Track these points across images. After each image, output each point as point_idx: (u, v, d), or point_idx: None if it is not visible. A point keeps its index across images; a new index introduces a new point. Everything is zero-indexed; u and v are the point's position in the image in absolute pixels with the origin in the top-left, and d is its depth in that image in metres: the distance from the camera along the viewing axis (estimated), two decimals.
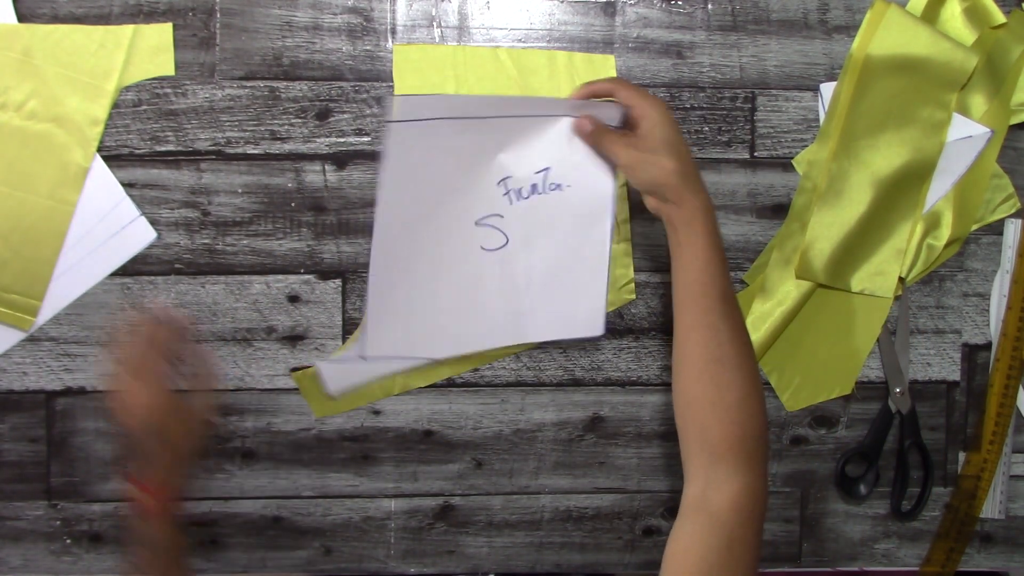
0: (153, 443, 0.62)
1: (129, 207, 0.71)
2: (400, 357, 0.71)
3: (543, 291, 0.71)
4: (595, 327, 0.72)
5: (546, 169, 0.68)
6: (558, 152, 0.67)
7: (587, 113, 0.64)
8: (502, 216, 0.69)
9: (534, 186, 0.68)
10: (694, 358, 0.57)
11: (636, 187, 0.62)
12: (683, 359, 0.58)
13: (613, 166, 0.67)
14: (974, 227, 0.77)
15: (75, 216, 0.70)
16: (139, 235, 0.71)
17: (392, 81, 0.72)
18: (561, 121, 0.66)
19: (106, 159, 0.70)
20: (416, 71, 0.72)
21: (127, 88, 0.70)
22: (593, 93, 0.65)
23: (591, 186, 0.69)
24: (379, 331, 0.69)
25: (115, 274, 0.71)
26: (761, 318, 0.74)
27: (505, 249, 0.69)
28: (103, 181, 0.70)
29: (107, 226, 0.71)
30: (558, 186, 0.68)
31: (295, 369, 0.73)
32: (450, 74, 0.72)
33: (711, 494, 0.54)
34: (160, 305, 0.71)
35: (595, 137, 0.64)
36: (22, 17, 0.68)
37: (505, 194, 0.68)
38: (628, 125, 0.63)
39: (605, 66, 0.73)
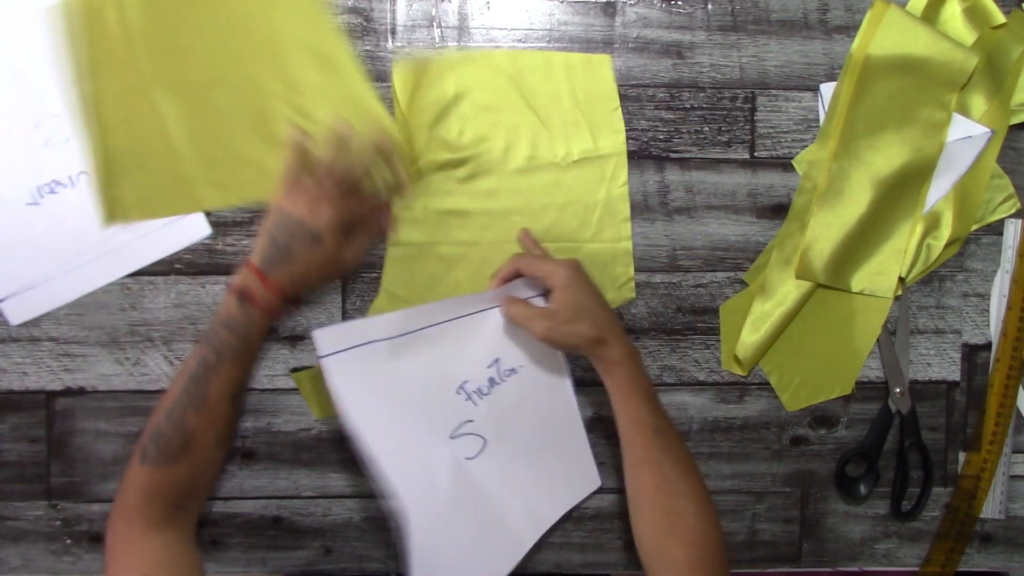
0: (304, 248, 0.64)
1: None
2: None
3: (536, 474, 0.71)
4: (592, 482, 0.74)
5: (496, 360, 0.70)
6: (500, 340, 0.70)
7: (508, 296, 0.68)
8: (472, 420, 0.69)
9: (491, 380, 0.70)
10: (643, 492, 0.62)
11: (562, 351, 0.70)
12: (633, 493, 0.63)
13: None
14: (974, 227, 0.77)
15: None
16: (194, 228, 0.72)
17: (392, 83, 0.72)
18: (492, 311, 0.69)
19: None
20: (417, 87, 0.72)
21: None
22: (503, 279, 0.69)
23: (541, 357, 0.71)
24: None
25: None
26: (761, 318, 0.74)
27: (486, 451, 0.69)
28: None
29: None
30: (513, 370, 0.70)
31: (295, 370, 0.73)
32: (450, 83, 0.72)
33: None
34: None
35: (519, 317, 0.66)
36: None
37: (467, 399, 0.69)
38: (543, 294, 0.67)
39: (602, 66, 0.73)
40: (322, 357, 0.62)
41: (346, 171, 0.66)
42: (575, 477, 0.74)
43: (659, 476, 0.61)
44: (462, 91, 0.72)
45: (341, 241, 0.66)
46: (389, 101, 0.72)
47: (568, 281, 0.65)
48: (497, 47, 0.73)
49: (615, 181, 0.74)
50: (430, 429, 0.67)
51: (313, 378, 0.73)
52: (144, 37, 0.68)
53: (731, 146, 0.75)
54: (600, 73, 0.74)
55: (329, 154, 0.67)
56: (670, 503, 0.60)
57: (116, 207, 0.70)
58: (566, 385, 0.72)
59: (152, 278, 0.72)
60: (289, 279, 0.64)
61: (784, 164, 0.76)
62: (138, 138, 0.69)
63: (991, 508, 0.79)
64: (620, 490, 0.77)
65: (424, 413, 0.66)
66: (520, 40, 0.73)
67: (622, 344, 0.64)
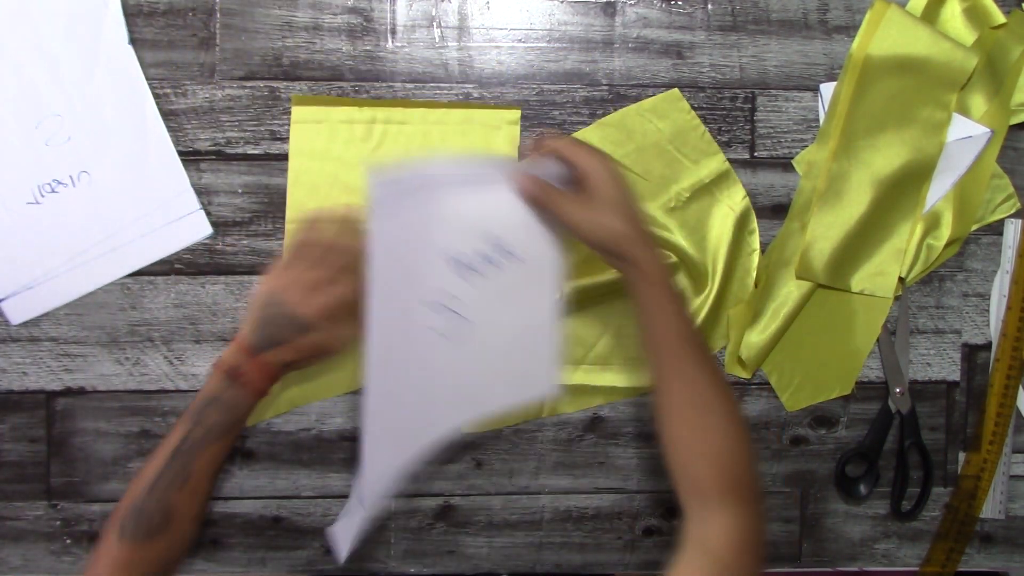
0: (293, 335, 0.63)
1: (191, 199, 0.71)
2: (394, 476, 0.67)
3: (501, 359, 0.69)
4: (553, 387, 0.71)
5: (494, 238, 0.67)
6: (506, 220, 0.66)
7: (529, 173, 0.63)
8: (457, 296, 0.68)
9: (485, 257, 0.68)
10: (674, 407, 0.58)
11: (588, 246, 0.62)
12: (663, 408, 0.59)
13: (558, 227, 0.65)
14: (974, 227, 0.77)
15: (134, 197, 0.70)
16: (195, 228, 0.72)
17: (392, 82, 0.72)
18: (500, 187, 0.64)
19: None
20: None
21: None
22: (536, 151, 0.64)
23: (543, 249, 0.68)
24: (375, 454, 0.65)
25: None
26: (762, 318, 0.74)
27: (460, 324, 0.68)
28: (171, 168, 0.71)
29: (165, 214, 0.71)
30: (511, 254, 0.68)
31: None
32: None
33: (707, 532, 0.55)
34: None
35: (541, 198, 0.62)
36: None
37: (457, 272, 0.67)
38: (573, 183, 0.62)
39: (674, 99, 0.74)
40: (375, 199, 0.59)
41: (346, 253, 0.64)
42: (538, 376, 0.71)
43: (691, 390, 0.58)
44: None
45: (333, 327, 0.64)
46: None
47: (610, 174, 0.59)
48: (497, 47, 0.73)
49: (734, 198, 0.74)
50: (416, 292, 0.65)
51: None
52: None
53: (731, 146, 0.75)
54: (676, 106, 0.74)
55: (334, 234, 0.65)
56: (697, 417, 0.57)
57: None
58: (556, 281, 0.69)
59: (152, 278, 0.72)
60: (279, 360, 0.63)
61: (784, 164, 0.76)
62: None
63: (991, 508, 0.79)
64: (620, 490, 0.77)
65: (413, 275, 0.64)
66: (520, 40, 0.73)
67: (658, 249, 0.59)
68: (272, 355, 0.62)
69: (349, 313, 0.66)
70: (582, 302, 0.74)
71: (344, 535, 0.67)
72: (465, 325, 0.67)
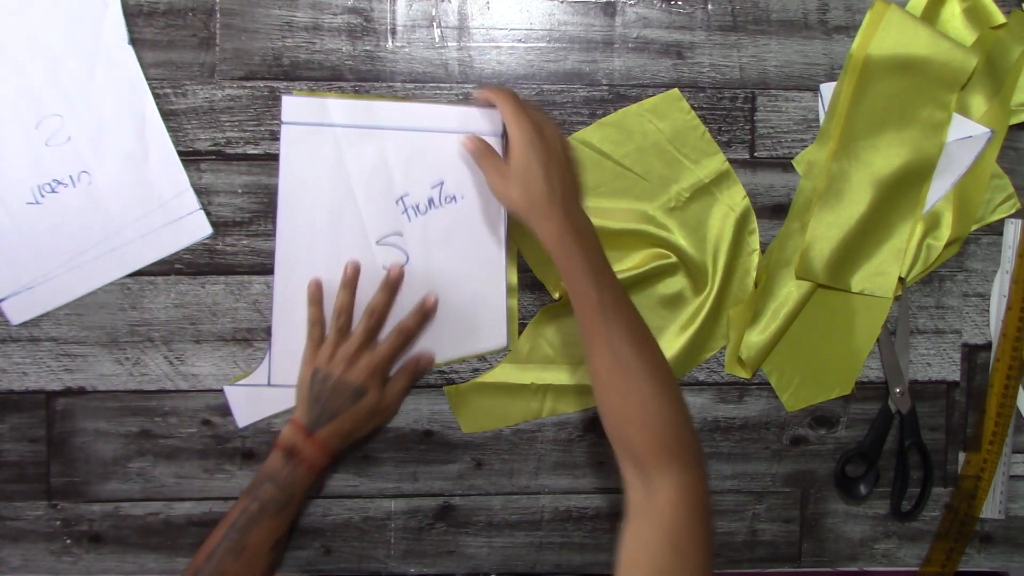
0: (348, 404, 0.66)
1: (191, 199, 0.71)
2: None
3: (446, 309, 0.72)
4: (499, 339, 0.73)
5: (441, 183, 0.70)
6: (451, 164, 0.70)
7: (471, 131, 0.68)
8: (402, 234, 0.70)
9: (431, 200, 0.70)
10: (596, 371, 0.59)
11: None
12: (592, 376, 0.59)
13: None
14: (974, 227, 0.77)
15: (134, 197, 0.70)
16: (195, 228, 0.72)
17: (392, 82, 0.72)
18: (451, 136, 0.69)
19: None
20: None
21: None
22: (483, 100, 0.68)
23: (484, 194, 0.71)
24: (285, 358, 0.71)
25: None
26: (762, 318, 0.74)
27: (406, 267, 0.71)
28: (171, 168, 0.71)
29: (165, 214, 0.71)
30: (453, 198, 0.71)
31: (448, 383, 0.74)
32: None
33: (649, 497, 0.55)
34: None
35: (476, 157, 0.67)
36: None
37: (404, 211, 0.70)
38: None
39: (674, 99, 0.74)
40: (284, 124, 0.65)
41: (372, 314, 0.69)
42: (484, 328, 0.73)
43: (609, 354, 0.57)
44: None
45: (383, 386, 0.68)
46: None
47: (523, 143, 0.62)
48: (497, 47, 0.73)
49: (734, 198, 0.74)
50: (360, 228, 0.69)
51: (459, 393, 0.74)
52: None
53: (731, 146, 0.75)
54: (676, 106, 0.74)
55: (346, 299, 0.70)
56: (622, 383, 0.57)
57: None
58: (499, 233, 0.72)
59: (152, 278, 0.72)
60: (336, 435, 0.66)
61: (784, 164, 0.76)
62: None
63: (991, 508, 0.79)
64: (620, 490, 0.77)
65: (359, 210, 0.69)
66: (520, 40, 0.73)
67: (560, 217, 0.60)
68: (329, 429, 0.66)
69: (396, 369, 0.71)
70: None
71: (242, 400, 0.71)
72: (408, 260, 0.70)
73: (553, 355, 0.74)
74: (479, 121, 0.69)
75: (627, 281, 0.72)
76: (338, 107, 0.69)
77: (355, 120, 0.69)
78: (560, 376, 0.74)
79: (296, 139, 0.68)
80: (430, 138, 0.70)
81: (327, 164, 0.69)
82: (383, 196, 0.70)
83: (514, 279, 0.73)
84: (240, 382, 0.72)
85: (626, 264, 0.74)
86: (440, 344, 0.72)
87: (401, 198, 0.70)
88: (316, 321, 0.70)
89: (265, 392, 0.71)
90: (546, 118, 0.65)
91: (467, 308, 0.72)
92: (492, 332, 0.73)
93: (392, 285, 0.70)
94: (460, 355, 0.73)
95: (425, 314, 0.71)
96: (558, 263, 0.60)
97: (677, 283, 0.75)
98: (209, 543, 0.64)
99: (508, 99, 0.65)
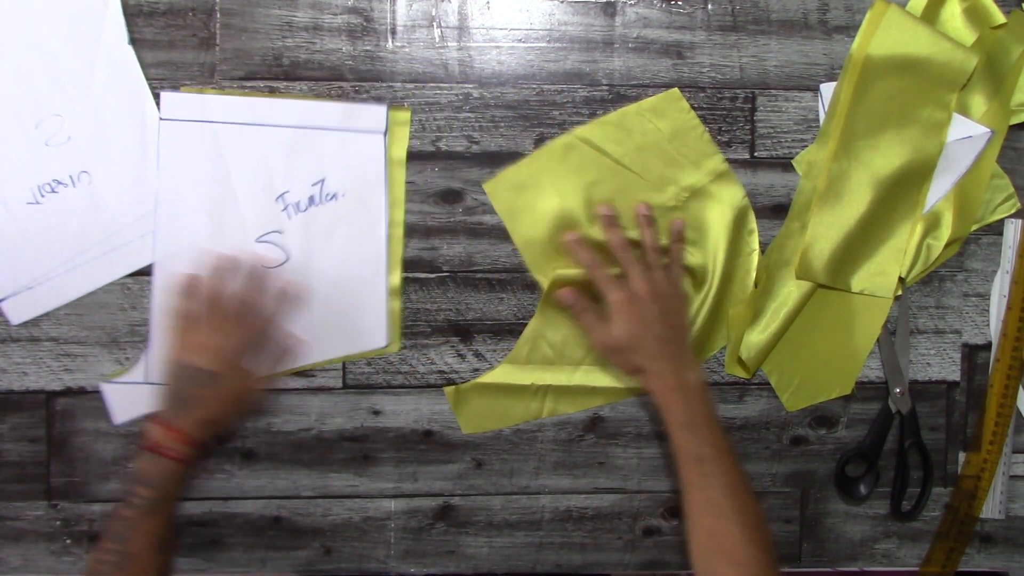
0: (202, 390, 0.64)
1: None
2: None
3: (326, 307, 0.71)
4: (379, 339, 0.73)
5: (322, 180, 0.70)
6: (331, 162, 0.70)
7: (353, 127, 0.69)
8: (281, 232, 0.70)
9: (311, 198, 0.70)
10: (690, 513, 0.63)
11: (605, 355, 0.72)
12: (685, 513, 0.63)
13: (385, 174, 0.70)
14: (974, 227, 0.77)
15: (134, 197, 0.70)
16: None
17: (392, 82, 0.72)
18: (335, 133, 0.69)
19: None
20: (518, 210, 0.73)
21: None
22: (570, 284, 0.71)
23: (365, 193, 0.71)
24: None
25: None
26: (762, 318, 0.74)
27: (286, 266, 0.70)
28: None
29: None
30: (334, 196, 0.71)
31: (448, 383, 0.74)
32: (547, 187, 0.73)
33: None
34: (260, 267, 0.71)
35: (575, 311, 0.71)
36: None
37: (284, 209, 0.69)
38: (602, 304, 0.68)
39: (674, 99, 0.74)
40: (162, 120, 0.65)
41: (229, 298, 0.67)
42: (365, 327, 0.72)
43: (703, 499, 0.62)
44: (563, 190, 0.73)
45: (241, 370, 0.66)
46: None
47: (621, 307, 0.67)
48: (497, 47, 0.73)
49: (733, 198, 0.74)
50: (240, 224, 0.69)
51: (459, 393, 0.74)
52: None
53: (731, 146, 0.75)
54: (675, 105, 0.74)
55: (211, 284, 0.68)
56: (714, 524, 0.61)
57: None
58: (380, 231, 0.71)
59: (152, 278, 0.72)
60: (198, 424, 0.64)
61: (784, 164, 0.76)
62: None
63: (991, 508, 0.79)
64: (620, 490, 0.77)
65: (239, 207, 0.68)
66: (520, 40, 0.73)
67: (665, 375, 0.66)
68: (189, 419, 0.64)
69: (257, 352, 0.68)
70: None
71: (120, 398, 0.71)
72: (288, 259, 0.70)
73: (553, 356, 0.74)
74: (361, 118, 0.69)
75: None
76: (218, 104, 0.69)
77: (236, 117, 0.68)
78: (560, 377, 0.74)
79: (175, 136, 0.68)
80: (312, 135, 0.69)
81: (207, 161, 0.69)
82: (263, 193, 0.69)
83: (396, 280, 0.72)
84: (117, 379, 0.71)
85: None
86: (320, 342, 0.72)
87: (282, 195, 0.69)
88: (177, 311, 0.68)
89: (142, 389, 0.71)
90: (630, 281, 0.68)
91: (347, 307, 0.71)
92: (372, 332, 0.72)
93: (251, 274, 0.69)
94: (341, 354, 0.72)
95: (283, 298, 0.70)
96: (662, 413, 0.66)
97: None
98: (93, 563, 0.61)
99: (599, 267, 0.70)
